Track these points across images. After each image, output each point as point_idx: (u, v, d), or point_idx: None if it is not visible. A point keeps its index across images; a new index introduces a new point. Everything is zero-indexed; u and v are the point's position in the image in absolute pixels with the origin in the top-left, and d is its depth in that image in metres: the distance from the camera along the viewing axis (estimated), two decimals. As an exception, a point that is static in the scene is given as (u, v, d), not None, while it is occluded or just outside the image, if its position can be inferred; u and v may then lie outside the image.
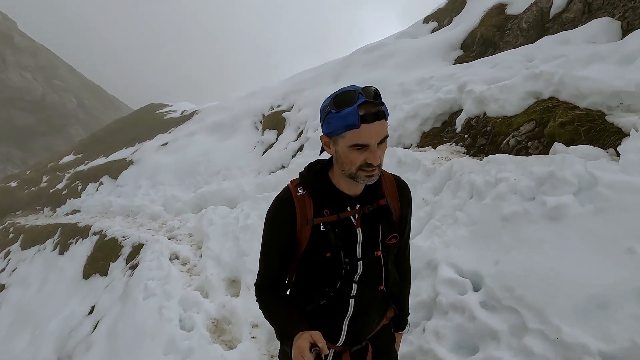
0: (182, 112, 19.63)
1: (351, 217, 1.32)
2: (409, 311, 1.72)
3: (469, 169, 3.57)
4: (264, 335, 3.79)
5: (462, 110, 4.87)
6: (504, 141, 3.96)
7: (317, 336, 1.15)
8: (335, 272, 1.33)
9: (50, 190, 16.92)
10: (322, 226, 1.30)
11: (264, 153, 9.80)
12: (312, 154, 7.12)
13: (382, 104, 1.14)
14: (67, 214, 13.60)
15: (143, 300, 4.81)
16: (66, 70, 48.22)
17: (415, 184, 3.91)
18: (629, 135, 2.79)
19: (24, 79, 40.55)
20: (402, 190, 1.46)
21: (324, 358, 1.13)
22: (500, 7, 6.49)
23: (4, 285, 9.67)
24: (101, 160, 16.84)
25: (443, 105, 5.24)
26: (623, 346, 1.85)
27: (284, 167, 8.25)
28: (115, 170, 14.30)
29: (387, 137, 1.18)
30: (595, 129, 3.25)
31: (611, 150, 2.97)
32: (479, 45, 6.57)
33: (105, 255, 7.72)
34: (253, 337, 3.81)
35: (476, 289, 2.63)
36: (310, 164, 1.40)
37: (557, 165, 2.79)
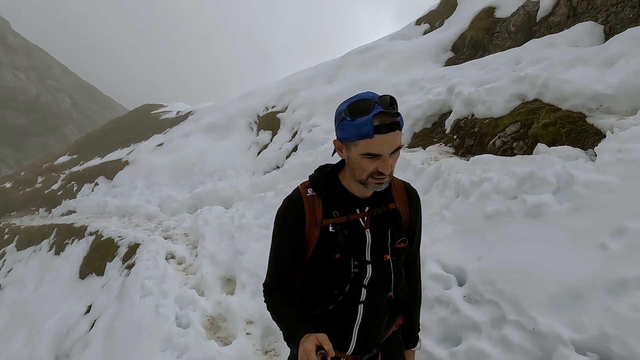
0: (178, 112, 19.67)
1: (360, 219, 1.32)
2: (420, 327, 1.67)
3: (456, 169, 3.70)
4: (259, 331, 3.89)
5: (451, 111, 5.00)
6: (491, 142, 4.09)
7: (324, 339, 1.13)
8: (344, 275, 1.31)
9: (46, 191, 16.92)
10: (331, 227, 1.29)
11: (258, 153, 9.91)
12: (306, 154, 7.24)
13: (398, 114, 1.13)
14: (62, 215, 13.63)
15: (140, 299, 4.90)
16: (60, 70, 48.00)
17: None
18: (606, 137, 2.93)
19: (18, 79, 40.35)
20: (411, 197, 1.45)
21: None
22: (490, 10, 6.64)
23: (-1, 285, 9.71)
24: (96, 161, 16.86)
25: (433, 107, 5.37)
26: (593, 335, 1.98)
27: (278, 167, 8.35)
28: (110, 170, 14.33)
29: (400, 147, 1.17)
30: (576, 130, 3.39)
31: (590, 150, 3.11)
32: (469, 47, 6.71)
33: (101, 255, 7.78)
34: (248, 334, 3.90)
35: (460, 283, 2.75)
36: (321, 167, 1.41)
37: (538, 165, 2.92)
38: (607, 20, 4.57)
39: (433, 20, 9.33)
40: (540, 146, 3.44)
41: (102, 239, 8.35)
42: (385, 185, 1.22)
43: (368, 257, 1.32)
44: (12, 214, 16.99)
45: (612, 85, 3.40)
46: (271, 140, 9.96)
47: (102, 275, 7.16)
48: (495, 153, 3.93)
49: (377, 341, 1.46)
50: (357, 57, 9.88)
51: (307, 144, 7.68)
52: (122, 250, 7.26)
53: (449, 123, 4.92)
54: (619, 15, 4.42)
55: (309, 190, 1.35)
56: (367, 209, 1.32)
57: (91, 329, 5.39)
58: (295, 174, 6.90)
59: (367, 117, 1.10)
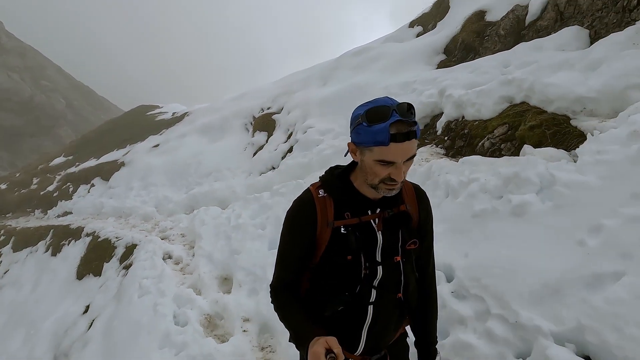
0: (173, 113, 19.73)
1: (371, 220, 1.32)
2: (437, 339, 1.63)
3: (446, 169, 3.82)
4: (255, 328, 3.98)
5: (442, 113, 5.13)
6: (480, 143, 4.22)
7: (333, 342, 1.13)
8: (355, 276, 1.31)
9: (41, 193, 16.91)
10: (342, 229, 1.29)
11: (254, 154, 10.00)
12: (302, 155, 7.34)
13: (415, 123, 1.13)
14: (58, 216, 13.65)
15: (138, 298, 4.97)
16: (54, 70, 47.79)
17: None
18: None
19: (11, 80, 40.15)
20: (421, 199, 1.46)
21: None
22: (480, 14, 6.78)
23: (-4, 287, 9.74)
24: (92, 162, 16.88)
25: (425, 109, 5.50)
26: (571, 326, 2.09)
27: (274, 168, 8.45)
28: (106, 172, 14.37)
29: (414, 155, 1.17)
30: (560, 132, 3.52)
31: (573, 152, 3.24)
32: (461, 50, 6.85)
33: (98, 256, 7.84)
34: (244, 331, 4.00)
35: (449, 280, 2.87)
36: (332, 168, 1.41)
37: (522, 166, 3.04)
38: (593, 25, 4.71)
39: (426, 22, 9.48)
40: (527, 147, 3.57)
41: (99, 239, 8.41)
42: (396, 191, 1.23)
43: (378, 259, 1.32)
44: (7, 215, 16.97)
45: (594, 89, 3.53)
46: (267, 141, 10.06)
47: (100, 276, 7.23)
48: (484, 154, 4.06)
49: (386, 342, 1.47)
50: (351, 59, 10.00)
51: (302, 145, 7.79)
52: (120, 251, 7.34)
53: (440, 125, 5.05)
54: (604, 20, 4.57)
55: (321, 192, 1.35)
56: (378, 210, 1.32)
57: (89, 328, 5.46)
58: (291, 174, 7.01)
59: (384, 124, 1.09)
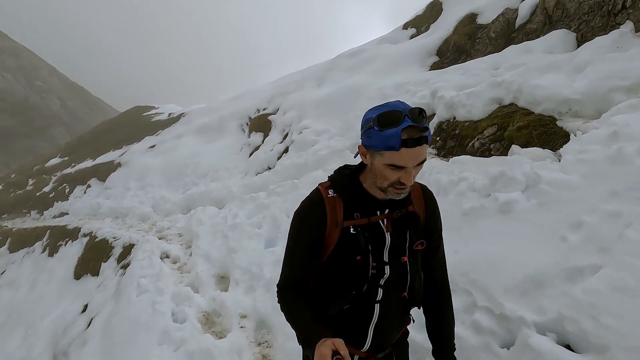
0: (169, 114, 19.78)
1: (380, 221, 1.33)
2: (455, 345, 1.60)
3: (437, 169, 3.94)
4: (252, 324, 4.08)
5: (434, 114, 5.25)
6: (470, 143, 4.34)
7: (340, 344, 1.14)
8: (363, 275, 1.32)
9: (37, 194, 16.90)
10: (352, 229, 1.30)
11: (250, 155, 10.10)
12: (297, 155, 7.45)
13: (427, 128, 1.13)
14: (54, 217, 13.67)
15: (136, 297, 5.06)
16: (48, 71, 47.58)
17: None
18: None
19: (5, 80, 39.96)
20: (428, 199, 1.47)
21: None
22: (472, 17, 6.91)
23: (-7, 287, 9.76)
24: (88, 163, 16.90)
25: (418, 110, 5.61)
26: (552, 317, 2.21)
27: (270, 168, 8.55)
28: (103, 172, 14.41)
29: (425, 160, 1.18)
30: (546, 133, 3.64)
31: (558, 151, 3.36)
32: (453, 52, 6.98)
33: (96, 255, 7.91)
34: (242, 327, 4.10)
35: (439, 275, 2.98)
36: (340, 168, 1.42)
37: (509, 165, 3.17)
38: (579, 28, 4.85)
39: (419, 24, 9.61)
40: (515, 147, 3.70)
41: (97, 240, 8.47)
42: (404, 194, 1.24)
43: (386, 259, 1.34)
44: (3, 216, 16.94)
45: (579, 91, 3.66)
46: (262, 141, 10.16)
47: (97, 276, 7.30)
48: (474, 154, 4.18)
49: (390, 340, 1.49)
50: (346, 60, 10.12)
51: (298, 145, 7.89)
52: (117, 251, 7.40)
53: (432, 125, 5.17)
54: (590, 24, 4.70)
55: (330, 192, 1.35)
56: (387, 211, 1.34)
57: (88, 326, 5.53)
58: (287, 174, 7.11)
59: (395, 129, 1.09)
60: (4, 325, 7.83)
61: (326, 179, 1.45)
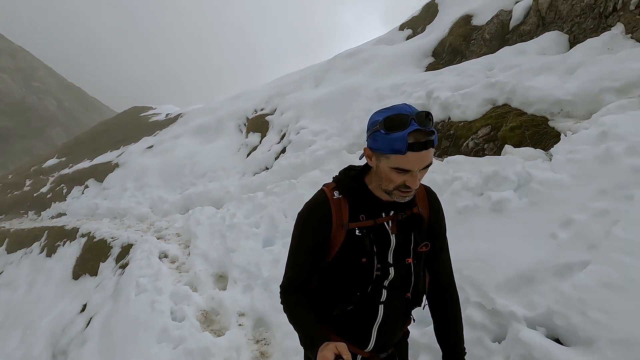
0: (167, 115, 19.79)
1: (385, 223, 1.32)
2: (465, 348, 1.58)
3: (432, 169, 4.00)
4: (250, 322, 4.14)
5: (430, 115, 5.32)
6: (465, 143, 4.41)
7: (343, 348, 1.14)
8: (367, 277, 1.32)
9: (35, 194, 16.88)
10: (357, 231, 1.29)
11: (248, 155, 10.14)
12: (294, 156, 7.50)
13: (433, 132, 1.12)
14: (52, 218, 13.67)
15: (135, 296, 5.09)
16: (46, 71, 47.47)
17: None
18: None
19: (2, 81, 39.86)
20: (432, 200, 1.48)
21: None
22: (467, 18, 6.99)
23: (-9, 288, 9.76)
24: (86, 164, 16.89)
25: (414, 110, 5.68)
26: (542, 312, 2.27)
27: (267, 168, 8.60)
28: (100, 173, 14.42)
29: (431, 163, 1.17)
30: (538, 133, 3.72)
31: (550, 151, 3.43)
32: (448, 53, 7.05)
33: (94, 256, 7.93)
34: (240, 325, 4.15)
35: (433, 273, 3.05)
36: (345, 169, 1.42)
37: (501, 165, 3.24)
38: (572, 30, 4.92)
39: (415, 25, 9.69)
40: (507, 147, 3.77)
41: (95, 240, 8.49)
42: (409, 197, 1.23)
43: (390, 260, 1.33)
44: (0, 217, 16.91)
45: (571, 92, 3.74)
46: (260, 142, 10.20)
47: (96, 276, 7.32)
48: (468, 154, 4.26)
49: (393, 341, 1.50)
50: (343, 61, 10.19)
51: (295, 145, 7.94)
52: (115, 251, 7.43)
53: (428, 126, 5.23)
54: (582, 26, 4.78)
55: (335, 193, 1.34)
56: (392, 212, 1.33)
57: (87, 326, 5.56)
58: (284, 174, 7.16)
59: (402, 133, 1.09)
60: (3, 325, 7.84)
61: (324, 179, 1.49)
